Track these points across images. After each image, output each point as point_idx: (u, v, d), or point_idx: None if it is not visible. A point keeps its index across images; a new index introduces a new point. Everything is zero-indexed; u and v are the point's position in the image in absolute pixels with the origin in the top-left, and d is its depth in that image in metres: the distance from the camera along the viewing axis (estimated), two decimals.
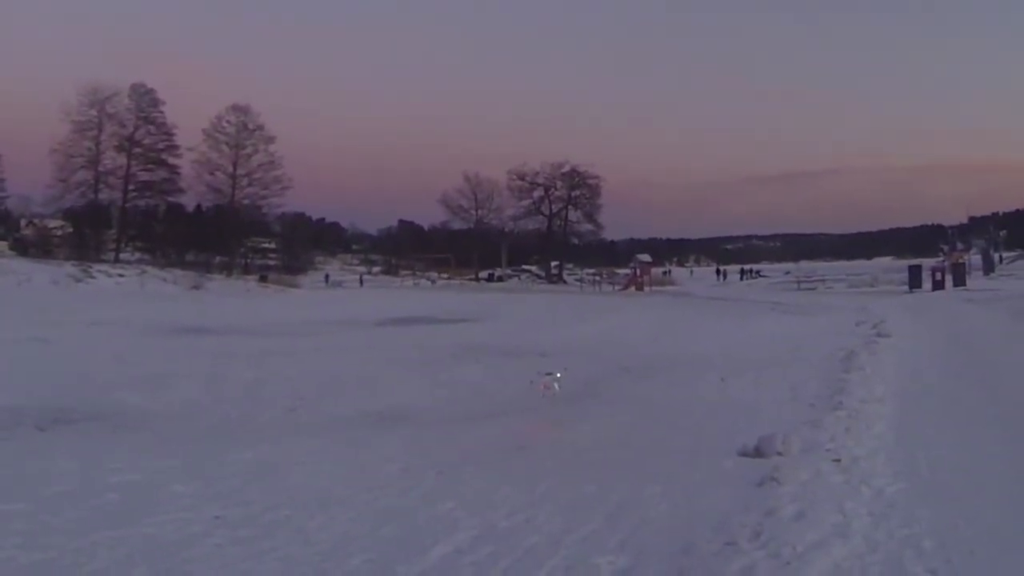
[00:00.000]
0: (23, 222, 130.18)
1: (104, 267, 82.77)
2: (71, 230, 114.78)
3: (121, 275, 78.05)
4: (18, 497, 11.57)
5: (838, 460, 13.75)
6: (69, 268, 77.36)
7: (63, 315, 45.03)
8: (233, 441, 15.94)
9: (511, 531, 10.63)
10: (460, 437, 16.84)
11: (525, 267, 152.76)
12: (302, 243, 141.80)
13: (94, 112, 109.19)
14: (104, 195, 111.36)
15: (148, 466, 13.62)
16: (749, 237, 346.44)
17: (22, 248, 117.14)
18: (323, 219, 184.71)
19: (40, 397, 20.30)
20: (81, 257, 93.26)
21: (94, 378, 23.65)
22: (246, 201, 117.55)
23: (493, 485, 12.76)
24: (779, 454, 14.18)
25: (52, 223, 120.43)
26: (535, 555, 9.77)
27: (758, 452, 14.38)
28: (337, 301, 71.95)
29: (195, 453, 14.78)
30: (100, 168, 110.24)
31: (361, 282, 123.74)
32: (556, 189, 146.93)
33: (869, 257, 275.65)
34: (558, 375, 18.16)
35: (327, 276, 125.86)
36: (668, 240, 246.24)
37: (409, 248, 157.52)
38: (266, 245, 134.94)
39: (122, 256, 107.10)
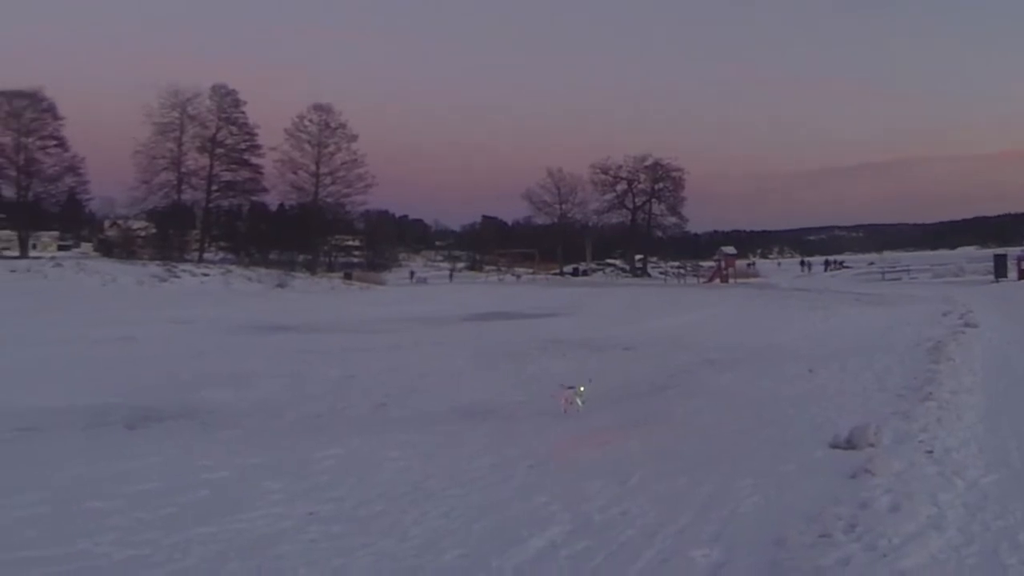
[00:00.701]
0: (106, 223, 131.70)
1: (188, 267, 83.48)
2: (154, 231, 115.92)
3: (205, 274, 78.66)
4: (110, 495, 11.66)
5: (931, 451, 13.59)
6: (153, 268, 78.10)
7: (148, 314, 45.45)
8: (322, 437, 15.97)
9: (605, 524, 10.59)
10: (549, 431, 16.80)
11: (609, 261, 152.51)
12: (385, 240, 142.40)
13: (176, 114, 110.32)
14: (187, 195, 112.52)
15: (238, 463, 13.69)
16: (831, 228, 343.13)
17: (106, 249, 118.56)
18: (406, 216, 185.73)
19: (128, 395, 20.46)
20: (165, 257, 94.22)
21: (181, 376, 23.83)
22: (329, 199, 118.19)
23: (585, 478, 12.72)
24: (871, 445, 14.03)
25: (135, 224, 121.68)
26: (630, 548, 9.73)
27: (849, 443, 14.24)
28: (422, 297, 72.11)
29: (285, 449, 14.82)
30: (183, 169, 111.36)
31: (451, 276, 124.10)
32: (639, 182, 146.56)
33: (952, 246, 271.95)
34: (582, 388, 16.63)
35: (412, 273, 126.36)
36: (751, 232, 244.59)
37: (492, 244, 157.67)
38: (350, 243, 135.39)
39: (206, 256, 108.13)
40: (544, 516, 10.90)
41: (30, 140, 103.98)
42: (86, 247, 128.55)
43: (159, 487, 12.17)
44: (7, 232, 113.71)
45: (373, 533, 10.31)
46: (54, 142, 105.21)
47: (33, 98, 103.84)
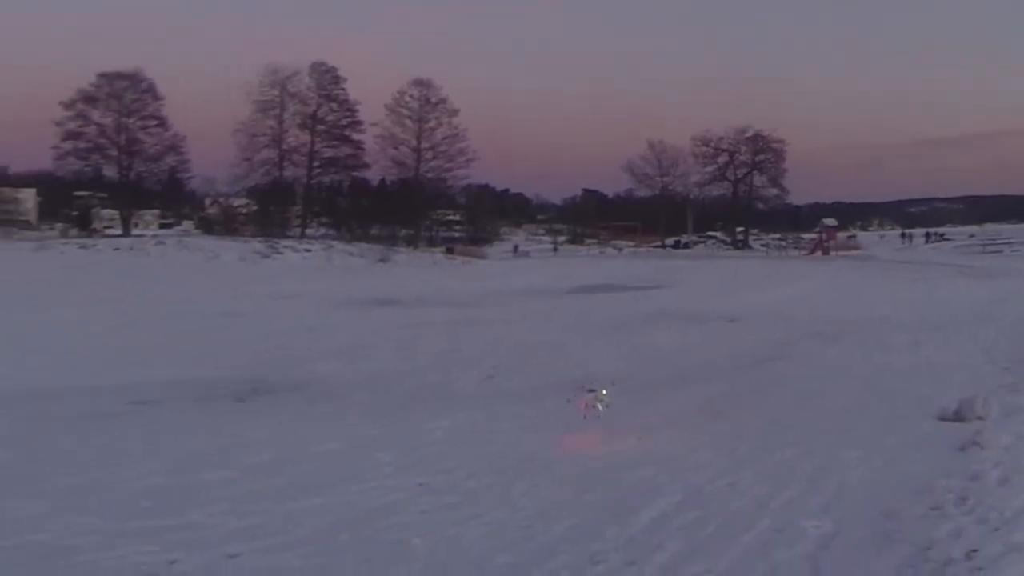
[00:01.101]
0: (207, 201, 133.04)
1: (290, 243, 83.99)
2: (255, 208, 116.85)
3: (308, 250, 79.06)
4: (222, 465, 11.82)
5: None
6: (255, 245, 78.69)
7: (253, 290, 45.84)
8: (431, 409, 16.05)
9: (715, 495, 10.58)
10: (655, 402, 16.81)
11: (710, 233, 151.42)
12: (487, 214, 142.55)
13: (276, 92, 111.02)
14: (288, 172, 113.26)
15: (348, 435, 13.79)
16: (932, 199, 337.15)
17: (207, 227, 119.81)
18: (507, 190, 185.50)
19: (237, 369, 20.73)
20: (266, 234, 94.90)
21: (288, 350, 24.08)
22: (430, 174, 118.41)
23: (693, 449, 12.72)
24: (979, 418, 13.88)
25: (236, 202, 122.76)
26: (742, 519, 9.69)
27: (958, 416, 14.08)
28: (525, 270, 72.07)
29: (394, 421, 14.91)
30: (284, 146, 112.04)
31: (556, 249, 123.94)
32: (740, 154, 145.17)
33: None
34: (603, 392, 14.54)
35: (516, 246, 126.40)
36: (851, 204, 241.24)
37: (593, 217, 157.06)
38: (451, 217, 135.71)
39: (307, 232, 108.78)
40: (654, 487, 10.89)
41: (131, 120, 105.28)
42: (187, 225, 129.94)
43: (270, 459, 12.30)
44: (110, 211, 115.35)
45: (484, 504, 10.35)
46: (155, 122, 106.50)
47: (133, 79, 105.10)
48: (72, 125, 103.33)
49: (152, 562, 8.44)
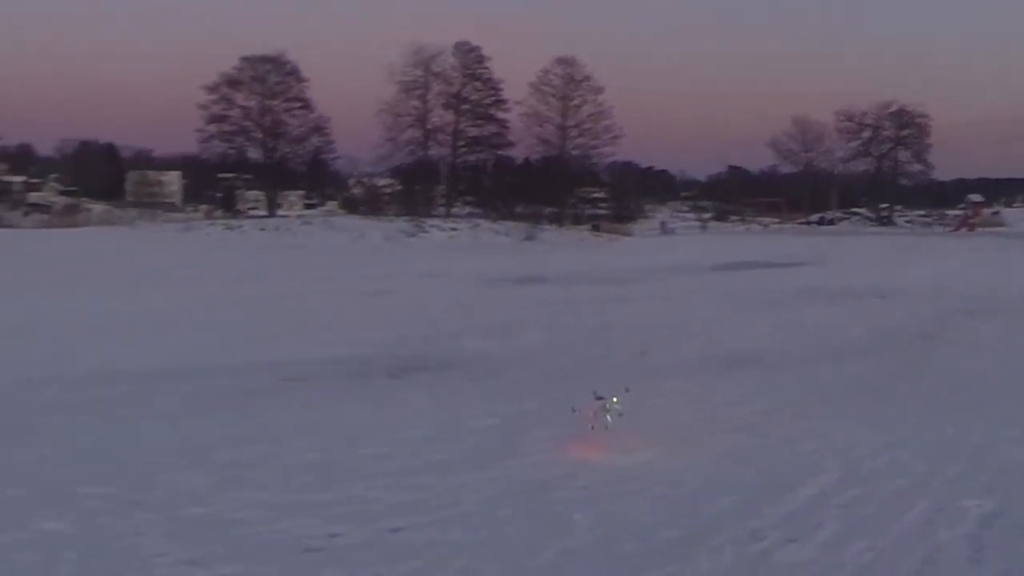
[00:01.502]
0: (351, 182, 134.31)
1: (436, 222, 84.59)
2: (400, 187, 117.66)
3: (454, 229, 79.55)
4: (380, 441, 11.92)
5: None
6: (401, 224, 79.31)
7: (400, 268, 46.24)
8: (585, 385, 15.94)
9: (875, 473, 10.50)
10: (810, 378, 16.75)
11: (854, 210, 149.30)
12: (631, 191, 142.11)
13: (420, 72, 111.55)
14: (433, 152, 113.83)
15: (504, 411, 13.85)
16: None
17: (352, 206, 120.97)
18: (651, 167, 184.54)
19: (389, 346, 20.86)
20: (410, 213, 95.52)
21: (440, 327, 24.20)
22: (576, 152, 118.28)
23: (851, 426, 12.66)
24: None
25: (380, 181, 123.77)
26: (903, 497, 9.59)
27: None
28: (671, 247, 71.88)
29: (549, 398, 14.89)
30: (428, 126, 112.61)
31: (704, 226, 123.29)
32: (884, 129, 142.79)
33: None
34: (615, 400, 12.52)
35: (663, 223, 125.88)
36: (997, 180, 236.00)
37: (738, 193, 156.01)
38: (596, 195, 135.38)
39: (452, 211, 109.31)
40: (813, 464, 10.85)
41: (275, 103, 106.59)
42: (331, 205, 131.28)
43: (427, 434, 12.39)
44: (255, 192, 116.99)
45: (645, 480, 10.33)
46: (299, 104, 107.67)
47: (276, 62, 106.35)
48: (216, 108, 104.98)
49: (314, 535, 8.54)
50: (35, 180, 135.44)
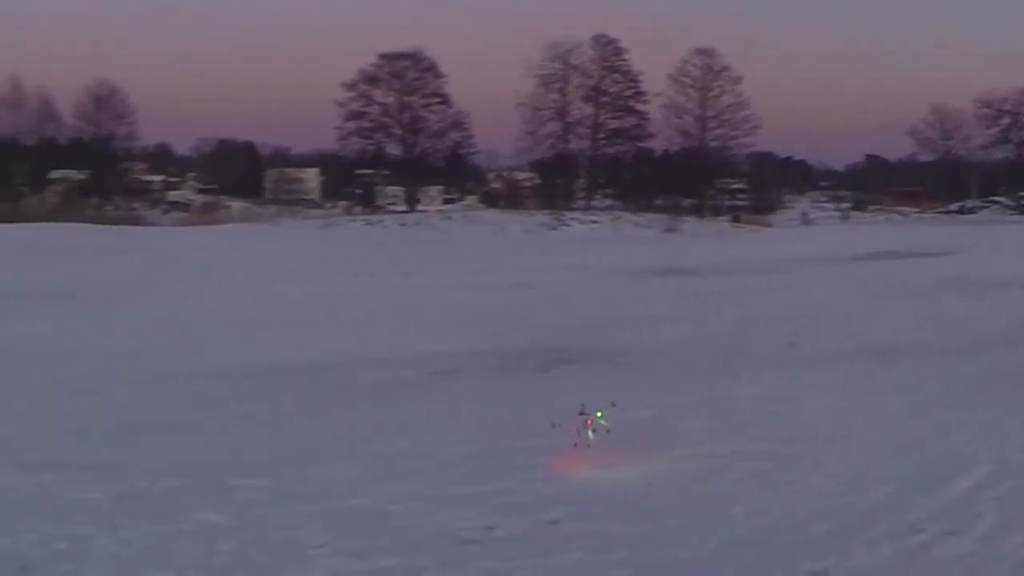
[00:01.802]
0: (490, 176, 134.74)
1: (576, 214, 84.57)
2: (539, 181, 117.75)
3: (595, 221, 79.50)
4: (531, 433, 11.83)
5: None
6: (541, 217, 79.48)
7: (542, 261, 46.24)
8: (735, 376, 15.90)
9: None
10: (955, 369, 16.44)
11: (994, 198, 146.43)
12: (770, 182, 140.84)
13: (558, 65, 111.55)
14: (572, 145, 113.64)
15: (656, 402, 13.72)
16: None
17: (491, 200, 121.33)
18: (789, 157, 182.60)
19: (534, 339, 20.90)
20: (550, 206, 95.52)
21: (585, 319, 24.18)
22: (715, 143, 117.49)
23: (1001, 418, 12.31)
24: None
25: (519, 175, 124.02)
26: None
27: None
28: (811, 238, 71.08)
29: (701, 389, 14.80)
30: (568, 119, 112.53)
31: (846, 216, 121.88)
32: None
33: None
34: (599, 414, 11.59)
35: (803, 214, 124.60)
36: None
37: (876, 182, 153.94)
38: (735, 186, 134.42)
39: (592, 204, 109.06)
40: (966, 455, 10.57)
41: (414, 99, 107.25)
42: (470, 200, 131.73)
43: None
44: (394, 188, 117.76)
45: (797, 471, 10.17)
46: (437, 99, 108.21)
47: (414, 58, 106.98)
48: (355, 105, 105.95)
49: (471, 527, 8.49)
50: (174, 179, 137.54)
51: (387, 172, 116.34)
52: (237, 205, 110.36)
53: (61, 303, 27.64)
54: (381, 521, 8.68)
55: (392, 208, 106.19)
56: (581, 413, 11.47)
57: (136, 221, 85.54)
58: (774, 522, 8.61)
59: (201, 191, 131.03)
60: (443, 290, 32.87)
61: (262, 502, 9.32)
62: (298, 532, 8.44)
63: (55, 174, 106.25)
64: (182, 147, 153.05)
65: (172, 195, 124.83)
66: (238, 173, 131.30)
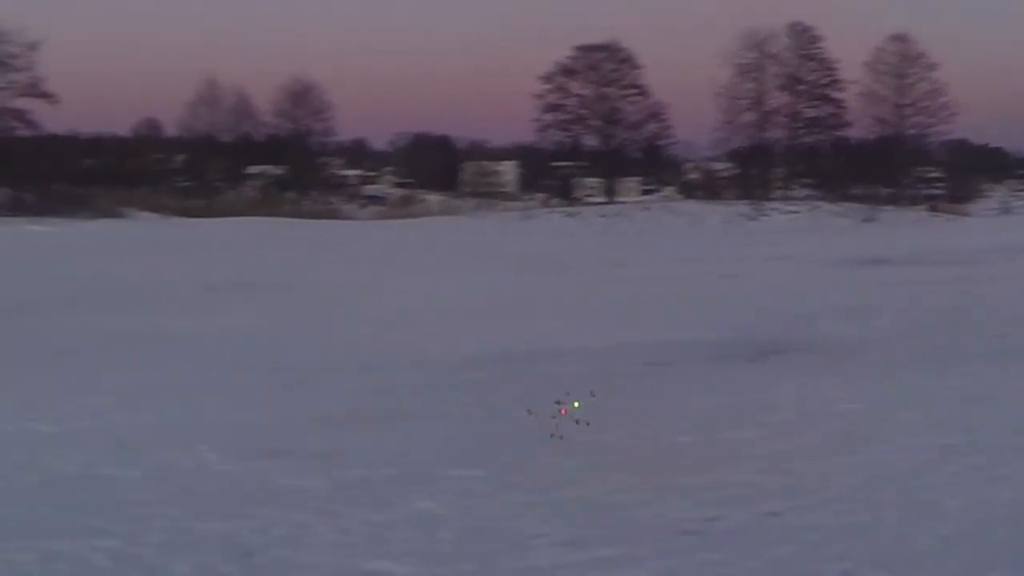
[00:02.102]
0: (687, 166, 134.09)
1: (776, 204, 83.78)
2: (736, 171, 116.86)
3: (794, 211, 78.64)
4: (747, 424, 11.78)
5: None
6: (739, 207, 78.87)
7: (741, 252, 45.85)
8: (943, 368, 15.61)
9: None
10: None
11: None
12: (967, 170, 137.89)
13: (754, 54, 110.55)
14: (769, 134, 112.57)
15: (867, 394, 13.55)
16: None
17: (688, 191, 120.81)
18: (986, 144, 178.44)
19: (741, 330, 20.71)
20: (747, 196, 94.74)
21: (791, 310, 23.88)
22: (912, 131, 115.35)
23: None
24: None
25: (717, 165, 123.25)
26: None
27: None
28: (1012, 227, 69.11)
29: (908, 381, 14.60)
30: (764, 108, 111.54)
31: None
32: None
33: None
34: (575, 404, 11.87)
35: (1003, 202, 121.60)
36: None
37: None
38: (932, 174, 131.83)
39: (789, 193, 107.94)
40: None
41: (611, 90, 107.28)
42: (668, 191, 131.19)
43: (794, 418, 12.22)
44: (592, 179, 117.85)
45: (1014, 465, 9.93)
46: (634, 90, 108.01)
47: (610, 50, 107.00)
48: (552, 98, 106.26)
49: (690, 519, 8.46)
50: (370, 173, 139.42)
51: (584, 164, 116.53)
52: (435, 198, 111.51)
53: (279, 294, 28.16)
54: (600, 511, 8.71)
55: (590, 200, 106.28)
56: (558, 402, 11.86)
57: (334, 215, 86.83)
58: (992, 516, 8.41)
59: (398, 185, 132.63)
60: (645, 281, 32.74)
61: (478, 492, 9.39)
62: (516, 522, 8.50)
63: (252, 170, 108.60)
64: (379, 142, 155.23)
65: (369, 189, 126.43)
66: (434, 167, 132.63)
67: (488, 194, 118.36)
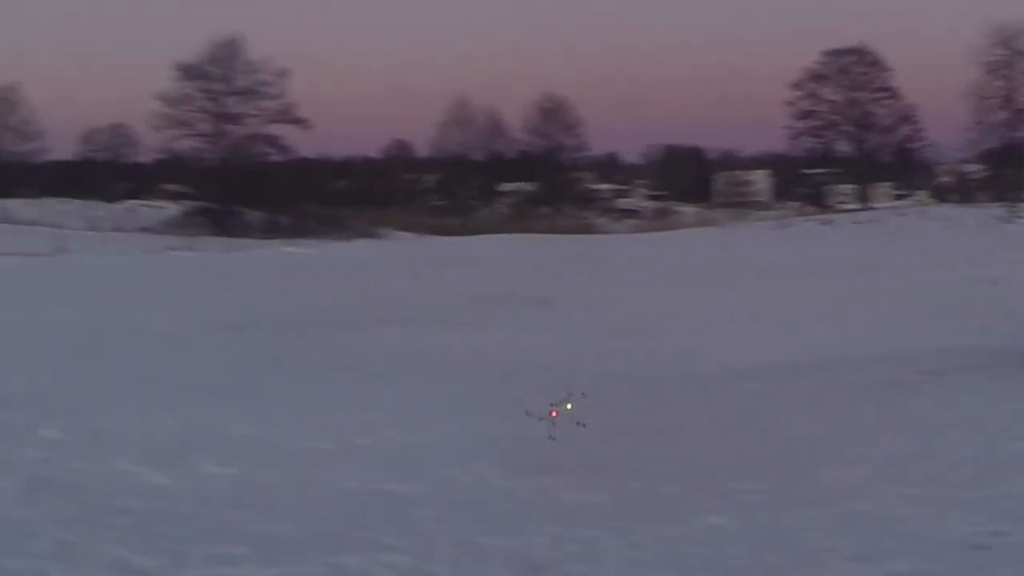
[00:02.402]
0: (938, 169, 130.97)
1: None
2: (989, 172, 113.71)
3: None
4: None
5: None
6: (994, 209, 76.55)
7: (999, 255, 44.32)
8: None
9: None
10: None
11: None
12: None
13: (1003, 51, 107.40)
14: (1021, 133, 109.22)
15: None
16: None
17: (940, 195, 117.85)
18: None
19: (1012, 336, 19.88)
20: (1001, 198, 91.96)
21: None
22: None
23: None
24: None
25: (969, 167, 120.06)
26: None
27: None
28: None
29: None
30: (1015, 106, 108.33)
31: None
32: None
33: None
34: (568, 405, 12.12)
35: None
36: None
37: None
38: None
39: None
40: None
41: (861, 94, 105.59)
42: (920, 195, 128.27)
43: None
44: (845, 186, 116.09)
45: None
46: (885, 94, 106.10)
47: (859, 53, 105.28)
48: (803, 104, 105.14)
49: (977, 532, 8.26)
50: (622, 187, 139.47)
51: (837, 170, 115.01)
52: (689, 210, 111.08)
53: (540, 309, 28.30)
54: (889, 524, 8.56)
55: (843, 206, 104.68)
56: (552, 404, 11.92)
57: (588, 229, 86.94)
58: None
59: (650, 198, 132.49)
60: (906, 287, 31.98)
61: (765, 505, 9.31)
62: (806, 535, 8.41)
63: (505, 187, 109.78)
64: (629, 154, 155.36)
65: (622, 203, 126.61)
66: (686, 178, 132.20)
67: (741, 204, 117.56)
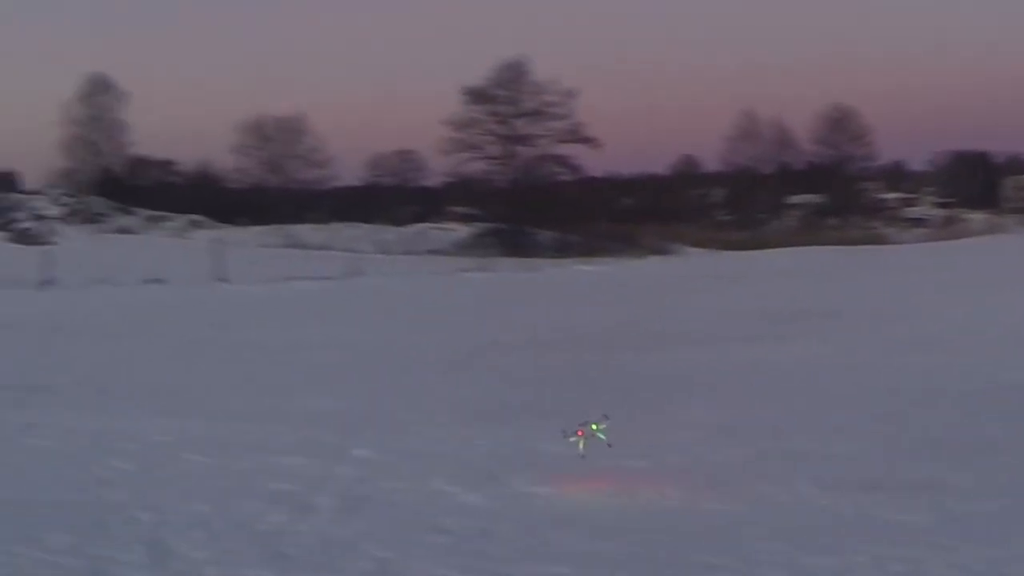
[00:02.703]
0: None
1: None
2: None
3: None
4: None
5: None
6: None
7: None
8: None
9: None
10: None
11: None
12: None
13: None
14: None
15: None
16: None
17: None
18: None
19: None
20: None
21: None
22: None
23: None
24: None
25: None
26: None
27: None
28: None
29: None
30: None
31: None
32: None
33: None
34: (594, 426, 11.85)
35: None
36: None
37: None
38: None
39: None
40: None
41: None
42: None
43: None
44: None
45: None
46: None
47: None
48: None
49: None
50: (910, 195, 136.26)
51: None
52: (977, 217, 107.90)
53: (836, 322, 27.78)
54: None
55: None
56: (583, 424, 11.71)
57: (877, 240, 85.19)
58: None
59: (938, 205, 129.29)
60: None
61: None
62: None
63: (793, 199, 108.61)
64: (915, 162, 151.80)
65: (910, 212, 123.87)
66: (974, 184, 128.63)
67: None
